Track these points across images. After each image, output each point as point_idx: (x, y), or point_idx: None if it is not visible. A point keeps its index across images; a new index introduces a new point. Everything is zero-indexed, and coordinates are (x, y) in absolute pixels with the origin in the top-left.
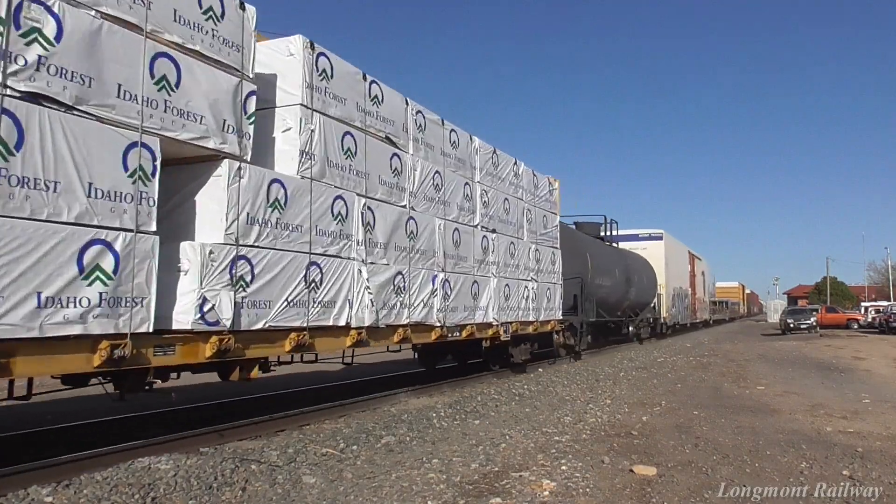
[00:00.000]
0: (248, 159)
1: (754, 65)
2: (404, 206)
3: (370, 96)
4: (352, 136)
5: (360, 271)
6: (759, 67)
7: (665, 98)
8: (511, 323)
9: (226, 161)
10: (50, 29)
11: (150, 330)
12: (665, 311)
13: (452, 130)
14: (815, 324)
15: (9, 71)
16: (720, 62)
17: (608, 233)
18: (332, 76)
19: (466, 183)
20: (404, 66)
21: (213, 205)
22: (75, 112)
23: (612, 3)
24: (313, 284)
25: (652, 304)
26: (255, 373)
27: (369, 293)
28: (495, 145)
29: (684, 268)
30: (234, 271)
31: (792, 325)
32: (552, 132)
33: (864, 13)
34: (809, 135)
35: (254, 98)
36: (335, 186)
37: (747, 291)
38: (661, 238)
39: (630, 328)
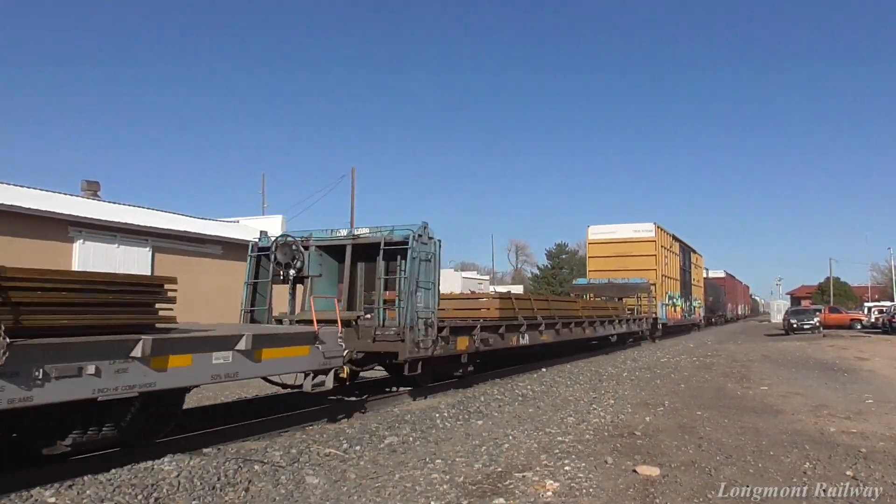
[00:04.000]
0: None
1: (756, 63)
2: None
3: None
4: None
5: None
6: (762, 66)
7: (666, 97)
8: None
9: None
10: None
11: None
12: None
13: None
14: (818, 324)
15: None
16: (722, 61)
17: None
18: None
19: None
20: (403, 66)
21: None
22: None
23: (610, 2)
24: None
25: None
26: None
27: None
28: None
29: None
30: None
31: (795, 326)
32: (552, 132)
33: (866, 13)
34: (812, 134)
35: None
36: None
37: (716, 274)
38: None
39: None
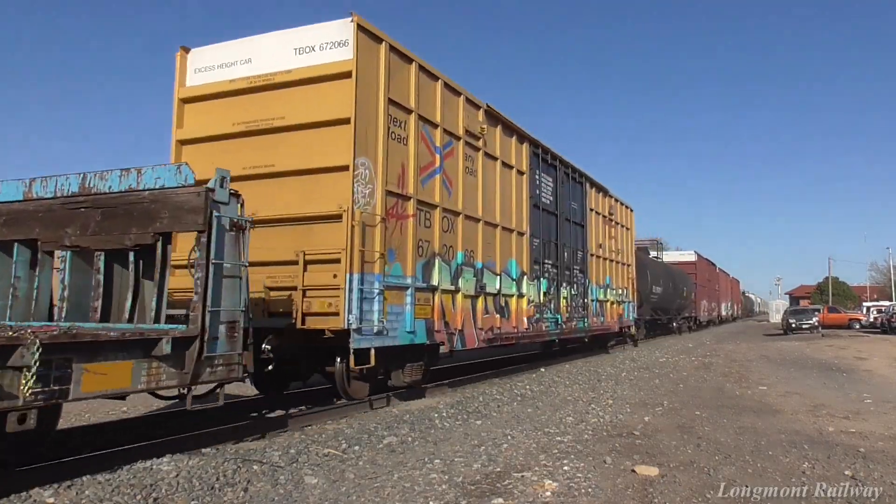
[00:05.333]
0: None
1: (756, 63)
2: None
3: None
4: None
5: None
6: (761, 65)
7: (664, 96)
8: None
9: None
10: None
11: None
12: None
13: None
14: (817, 324)
15: None
16: (722, 60)
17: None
18: None
19: None
20: None
21: None
22: None
23: (610, 2)
24: None
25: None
26: None
27: None
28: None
29: None
30: None
31: (794, 326)
32: (554, 133)
33: (866, 13)
34: (811, 134)
35: None
36: None
37: (680, 257)
38: None
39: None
